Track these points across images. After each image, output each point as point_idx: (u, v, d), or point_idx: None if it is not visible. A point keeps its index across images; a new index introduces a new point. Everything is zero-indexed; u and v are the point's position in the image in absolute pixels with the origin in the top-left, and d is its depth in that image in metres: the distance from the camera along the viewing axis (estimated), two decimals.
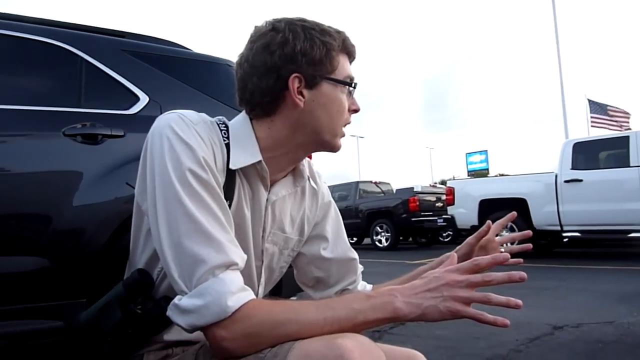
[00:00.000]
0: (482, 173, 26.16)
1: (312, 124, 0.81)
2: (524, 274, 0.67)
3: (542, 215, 6.95)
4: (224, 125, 0.82)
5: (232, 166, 0.77)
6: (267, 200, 0.85)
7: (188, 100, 2.14)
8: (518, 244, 1.05)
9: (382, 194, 12.06)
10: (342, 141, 0.87)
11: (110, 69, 2.01)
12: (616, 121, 16.83)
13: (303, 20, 0.81)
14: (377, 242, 10.70)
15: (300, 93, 0.79)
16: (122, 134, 1.89)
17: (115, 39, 2.16)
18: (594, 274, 5.51)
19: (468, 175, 26.03)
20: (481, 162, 28.54)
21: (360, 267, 1.04)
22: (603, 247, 8.56)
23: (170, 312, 0.69)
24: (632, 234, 7.06)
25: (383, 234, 10.69)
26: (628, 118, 17.17)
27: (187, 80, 2.17)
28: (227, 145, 0.79)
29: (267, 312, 0.67)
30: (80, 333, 0.80)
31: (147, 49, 2.17)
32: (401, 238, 11.00)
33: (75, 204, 1.75)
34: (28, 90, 1.92)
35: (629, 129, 16.31)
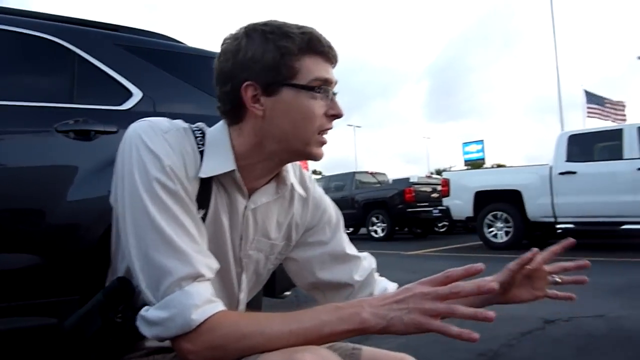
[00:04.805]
0: (478, 163, 26.24)
1: (276, 133, 0.77)
2: (493, 285, 0.64)
3: (536, 207, 6.99)
4: (200, 132, 0.80)
5: (201, 174, 0.75)
6: (245, 207, 0.82)
7: (182, 96, 2.12)
8: (573, 274, 0.93)
9: (379, 185, 12.08)
10: (324, 149, 0.80)
11: (104, 63, 1.98)
12: (611, 111, 16.90)
13: (266, 25, 0.76)
14: (372, 233, 10.74)
15: (258, 101, 0.76)
16: (115, 130, 1.87)
17: (108, 32, 2.13)
18: None
19: (465, 165, 26.10)
20: (477, 152, 28.65)
21: (368, 268, 0.96)
22: (596, 238, 8.63)
23: (138, 323, 0.69)
24: (625, 226, 7.10)
25: (379, 224, 10.72)
26: (623, 108, 17.24)
27: (182, 76, 2.14)
28: (202, 153, 0.77)
29: (232, 324, 0.66)
30: (65, 338, 0.80)
31: (141, 43, 2.14)
32: (397, 228, 11.04)
33: (68, 201, 1.74)
34: (19, 85, 1.90)
35: (624, 117, 16.39)
